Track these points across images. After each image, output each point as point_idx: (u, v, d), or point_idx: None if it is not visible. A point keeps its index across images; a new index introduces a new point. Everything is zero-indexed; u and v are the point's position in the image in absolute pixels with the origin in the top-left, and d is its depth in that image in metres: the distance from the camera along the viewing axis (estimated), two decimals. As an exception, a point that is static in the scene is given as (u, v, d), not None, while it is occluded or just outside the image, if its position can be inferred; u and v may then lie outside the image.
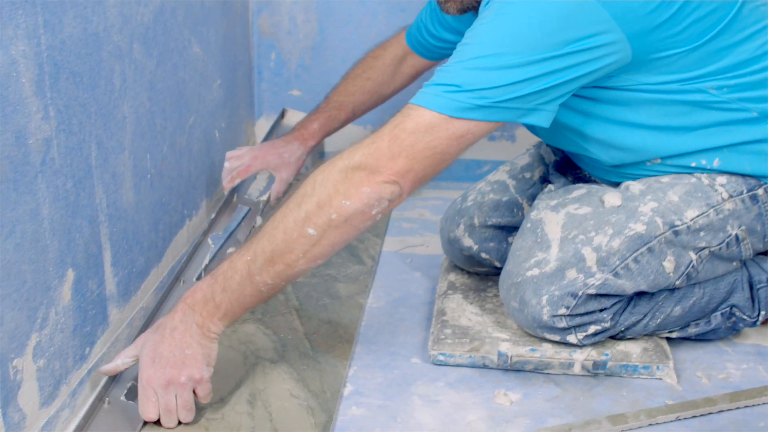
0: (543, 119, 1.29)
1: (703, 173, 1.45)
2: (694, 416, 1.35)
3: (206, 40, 1.87)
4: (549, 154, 1.74)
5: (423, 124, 1.24)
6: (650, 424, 1.33)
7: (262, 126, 2.37)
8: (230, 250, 1.73)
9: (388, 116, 1.31)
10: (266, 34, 2.29)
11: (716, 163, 1.44)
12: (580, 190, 1.53)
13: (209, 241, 1.74)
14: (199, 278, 1.64)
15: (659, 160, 1.46)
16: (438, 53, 1.85)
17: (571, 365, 1.45)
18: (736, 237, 1.44)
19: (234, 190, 1.91)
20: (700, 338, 1.54)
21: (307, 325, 1.58)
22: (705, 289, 1.48)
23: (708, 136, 1.42)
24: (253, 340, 1.53)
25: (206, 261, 1.68)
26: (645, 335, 1.50)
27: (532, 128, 1.59)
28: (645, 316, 1.47)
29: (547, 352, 1.45)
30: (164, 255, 1.68)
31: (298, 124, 1.96)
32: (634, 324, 1.47)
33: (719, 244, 1.43)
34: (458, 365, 1.48)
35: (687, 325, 1.51)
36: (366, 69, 1.91)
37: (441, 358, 1.48)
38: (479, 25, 1.27)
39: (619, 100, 1.39)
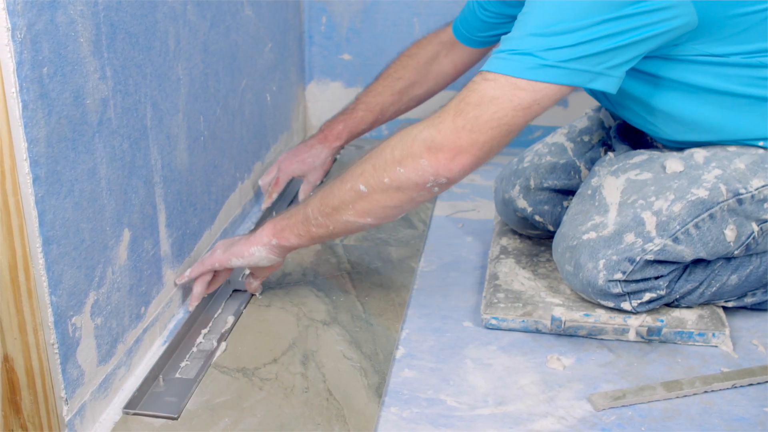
0: (610, 85, 1.26)
1: None
2: (751, 384, 1.34)
3: (258, 2, 1.86)
4: (608, 118, 1.71)
5: (487, 95, 1.22)
6: (705, 391, 1.32)
7: (313, 90, 2.37)
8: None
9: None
10: (317, -2, 2.28)
11: None
12: (641, 156, 1.50)
13: None
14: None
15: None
16: (488, 36, 1.76)
17: (625, 331, 1.43)
18: None
19: (271, 208, 1.91)
20: (757, 308, 1.52)
21: (359, 287, 1.59)
22: (762, 258, 1.46)
23: None
24: (306, 303, 1.53)
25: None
26: (700, 304, 1.48)
27: (596, 97, 1.58)
28: (701, 284, 1.45)
29: (601, 317, 1.44)
30: (217, 217, 1.69)
31: (325, 124, 1.91)
32: (690, 292, 1.45)
33: None
34: (510, 329, 1.47)
35: (743, 295, 1.49)
36: (398, 68, 1.83)
37: (493, 322, 1.48)
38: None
39: (683, 74, 1.36)
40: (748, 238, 1.41)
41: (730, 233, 1.39)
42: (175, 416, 1.24)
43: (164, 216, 1.43)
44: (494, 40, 1.76)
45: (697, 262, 1.45)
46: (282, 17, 2.08)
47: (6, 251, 1.06)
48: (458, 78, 1.84)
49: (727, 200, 1.38)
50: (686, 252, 1.39)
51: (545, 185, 1.67)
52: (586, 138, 1.70)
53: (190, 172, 1.53)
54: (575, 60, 1.21)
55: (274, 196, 1.90)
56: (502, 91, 1.21)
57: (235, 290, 1.58)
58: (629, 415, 1.27)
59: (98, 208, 1.20)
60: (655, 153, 1.50)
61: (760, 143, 1.41)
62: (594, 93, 1.55)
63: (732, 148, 1.42)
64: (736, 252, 1.42)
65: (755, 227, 1.40)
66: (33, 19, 1.01)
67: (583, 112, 1.79)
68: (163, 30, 1.37)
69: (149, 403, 1.27)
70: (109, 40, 1.19)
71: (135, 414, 1.25)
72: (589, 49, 1.21)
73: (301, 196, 1.93)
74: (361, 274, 1.64)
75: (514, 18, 1.67)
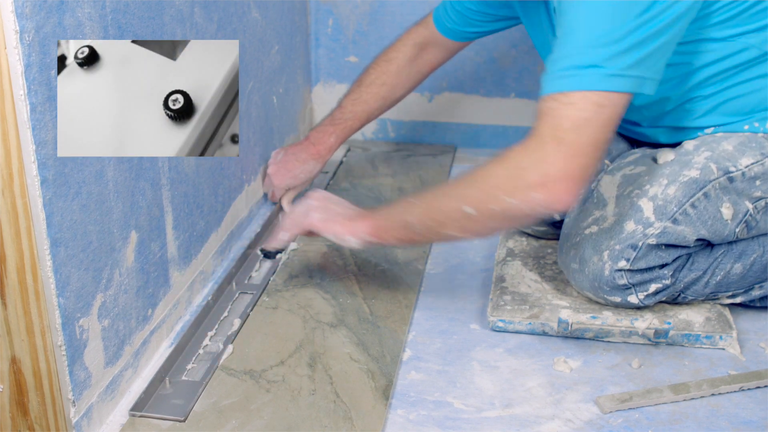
0: (653, 88, 1.26)
1: (757, 133, 1.45)
2: (758, 387, 1.33)
3: (265, 5, 1.86)
4: None
5: (579, 117, 1.20)
6: (713, 394, 1.32)
7: (319, 92, 2.37)
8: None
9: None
10: (324, 0, 2.28)
11: None
12: (635, 154, 1.54)
13: (258, 252, 1.74)
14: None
15: (712, 129, 1.47)
16: (470, 32, 1.79)
17: (632, 333, 1.43)
18: None
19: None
20: (765, 305, 1.52)
21: (366, 290, 1.59)
22: (766, 246, 1.46)
23: (757, 98, 1.43)
24: (313, 305, 1.53)
25: (256, 267, 1.70)
26: (708, 299, 1.49)
27: None
28: (705, 273, 1.45)
29: (608, 319, 1.44)
30: (223, 219, 1.69)
31: (313, 135, 1.88)
32: (694, 282, 1.45)
33: None
34: (517, 332, 1.47)
35: (750, 288, 1.49)
36: (380, 74, 1.85)
37: (500, 324, 1.47)
38: (571, 9, 1.23)
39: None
40: (745, 216, 1.43)
41: (726, 211, 1.41)
42: (182, 419, 1.24)
43: (171, 218, 1.43)
44: (474, 37, 1.80)
45: (701, 250, 1.45)
46: (289, 19, 2.08)
47: (14, 253, 1.06)
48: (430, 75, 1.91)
49: (718, 178, 1.41)
50: (687, 232, 1.40)
51: None
52: None
53: (197, 174, 1.53)
54: (633, 66, 1.21)
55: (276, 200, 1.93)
56: (589, 111, 1.20)
57: (241, 293, 1.59)
58: (636, 417, 1.27)
59: (106, 210, 1.20)
60: (648, 150, 1.55)
61: (745, 126, 1.45)
62: None
63: (719, 134, 1.46)
64: (737, 230, 1.43)
65: (749, 205, 1.43)
66: (41, 22, 1.01)
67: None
68: (171, 32, 1.38)
69: (156, 406, 1.28)
70: (116, 42, 1.20)
71: (142, 416, 1.25)
72: (642, 50, 1.21)
73: (285, 203, 1.90)
74: (367, 277, 1.64)
75: (494, 17, 1.72)
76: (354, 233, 1.43)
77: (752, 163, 1.42)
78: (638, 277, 1.42)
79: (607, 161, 1.61)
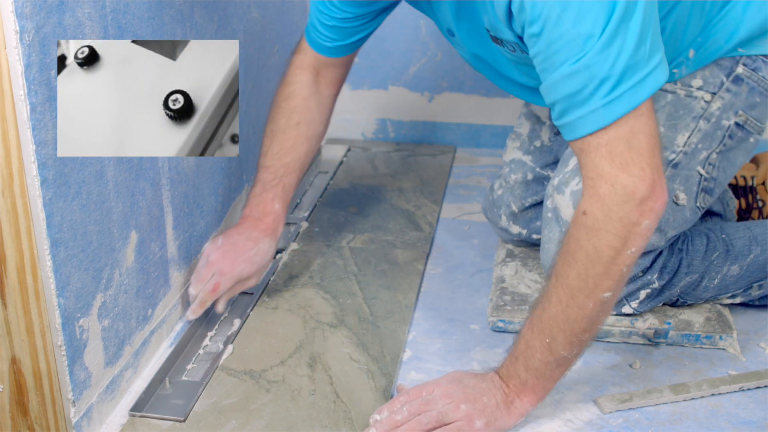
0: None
1: (677, 83, 1.37)
2: (758, 387, 1.33)
3: (265, 5, 1.86)
4: (541, 110, 1.68)
5: (624, 132, 1.10)
6: (713, 394, 1.32)
7: (319, 92, 2.36)
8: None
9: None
10: (324, 0, 2.28)
11: (691, 54, 1.35)
12: (573, 158, 1.43)
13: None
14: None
15: None
16: (356, 39, 1.55)
17: (632, 334, 1.43)
18: (736, 124, 1.38)
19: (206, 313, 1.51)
20: (764, 303, 1.52)
21: (366, 290, 1.59)
22: (763, 246, 1.45)
23: (675, 33, 1.32)
24: (313, 305, 1.53)
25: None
26: (707, 301, 1.48)
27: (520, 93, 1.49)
28: (702, 277, 1.44)
29: (608, 320, 1.44)
30: (223, 219, 1.69)
31: (252, 210, 1.54)
32: (693, 287, 1.45)
33: (722, 142, 1.39)
34: (517, 332, 1.47)
35: (749, 287, 1.48)
36: (289, 115, 1.56)
37: (500, 324, 1.47)
38: (548, 26, 1.08)
39: None
40: (699, 184, 1.39)
41: (682, 200, 1.38)
42: (182, 419, 1.24)
43: (171, 218, 1.43)
44: (361, 43, 1.57)
45: (695, 252, 1.44)
46: (289, 19, 2.08)
47: (14, 253, 1.06)
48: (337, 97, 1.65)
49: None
50: (654, 235, 1.37)
51: (527, 204, 1.67)
52: (537, 144, 1.68)
53: (197, 174, 1.53)
54: (642, 51, 1.09)
55: (208, 304, 1.45)
56: (626, 122, 1.10)
57: (241, 293, 1.58)
58: (636, 417, 1.27)
59: (106, 211, 1.20)
60: None
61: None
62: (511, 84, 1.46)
63: None
64: (698, 204, 1.40)
65: (701, 170, 1.39)
66: (41, 22, 1.01)
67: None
68: (170, 32, 1.38)
69: (156, 406, 1.28)
70: (116, 42, 1.20)
71: (142, 416, 1.25)
72: (641, 30, 1.08)
73: (222, 304, 1.49)
74: (367, 277, 1.63)
75: (376, 12, 1.51)
76: (523, 414, 1.25)
77: (688, 137, 1.36)
78: (624, 290, 1.40)
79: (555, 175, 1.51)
